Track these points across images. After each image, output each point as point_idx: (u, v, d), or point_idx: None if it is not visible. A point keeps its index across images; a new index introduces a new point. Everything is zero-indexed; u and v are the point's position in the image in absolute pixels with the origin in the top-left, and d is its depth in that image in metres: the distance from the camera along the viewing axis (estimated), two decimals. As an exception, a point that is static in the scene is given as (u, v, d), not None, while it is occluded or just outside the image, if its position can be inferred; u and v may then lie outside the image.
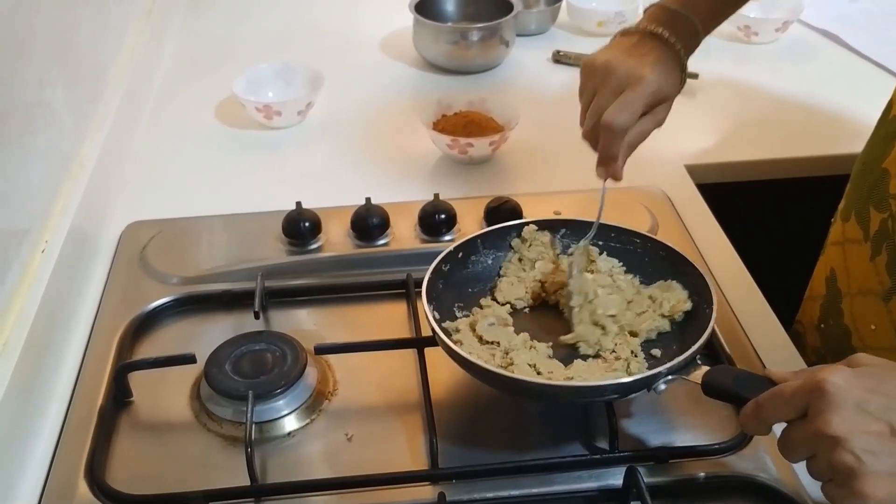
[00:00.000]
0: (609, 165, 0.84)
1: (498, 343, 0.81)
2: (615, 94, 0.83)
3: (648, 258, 0.88)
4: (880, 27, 1.54)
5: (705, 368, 0.72)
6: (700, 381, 0.71)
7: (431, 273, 0.83)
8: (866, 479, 0.57)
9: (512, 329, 0.83)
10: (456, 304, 0.86)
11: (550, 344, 0.82)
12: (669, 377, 0.72)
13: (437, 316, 0.81)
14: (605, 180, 0.86)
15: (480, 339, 0.82)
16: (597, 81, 0.85)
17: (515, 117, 1.17)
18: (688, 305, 0.83)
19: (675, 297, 0.84)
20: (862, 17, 1.58)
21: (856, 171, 0.90)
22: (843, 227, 0.88)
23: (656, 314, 0.83)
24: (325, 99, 1.29)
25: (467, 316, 0.86)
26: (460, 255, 0.88)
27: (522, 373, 0.77)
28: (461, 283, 0.88)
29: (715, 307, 0.79)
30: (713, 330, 0.78)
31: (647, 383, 0.73)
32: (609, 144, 0.83)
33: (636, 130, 0.84)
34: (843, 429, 0.57)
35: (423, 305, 0.80)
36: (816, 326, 0.92)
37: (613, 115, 0.82)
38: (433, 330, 0.78)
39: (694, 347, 0.74)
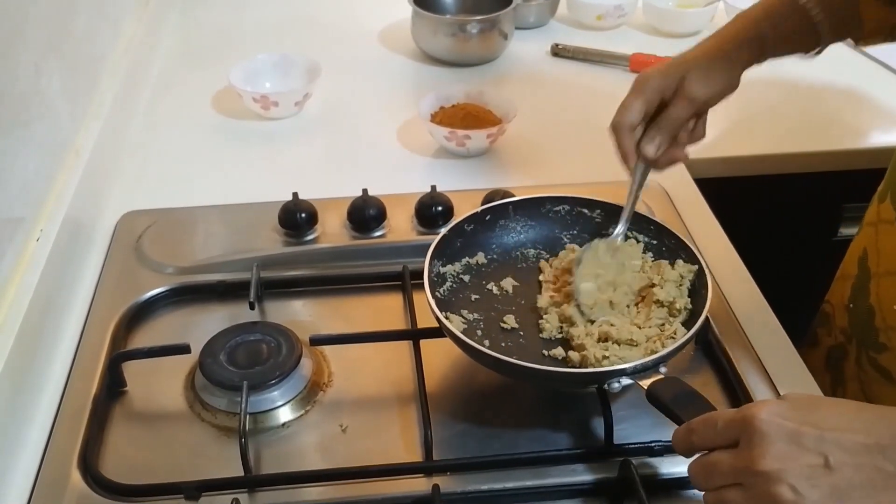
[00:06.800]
0: (624, 160, 0.88)
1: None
2: None
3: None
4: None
5: (659, 376, 0.72)
6: (646, 388, 0.71)
7: (449, 231, 0.85)
8: None
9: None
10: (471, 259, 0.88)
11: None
12: (624, 379, 0.73)
13: (441, 271, 0.85)
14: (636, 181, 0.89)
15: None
16: None
17: (513, 110, 1.16)
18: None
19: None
20: (862, 13, 1.57)
21: None
22: (879, 209, 0.88)
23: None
24: (323, 90, 1.29)
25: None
26: (488, 217, 0.90)
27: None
28: (482, 244, 0.89)
29: (702, 317, 0.77)
30: (693, 337, 0.77)
31: (596, 379, 0.74)
32: (616, 142, 0.87)
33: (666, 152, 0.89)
34: (777, 464, 0.56)
35: (425, 266, 0.81)
36: (846, 306, 0.92)
37: (616, 115, 0.87)
38: (428, 299, 0.79)
39: (656, 356, 0.74)
